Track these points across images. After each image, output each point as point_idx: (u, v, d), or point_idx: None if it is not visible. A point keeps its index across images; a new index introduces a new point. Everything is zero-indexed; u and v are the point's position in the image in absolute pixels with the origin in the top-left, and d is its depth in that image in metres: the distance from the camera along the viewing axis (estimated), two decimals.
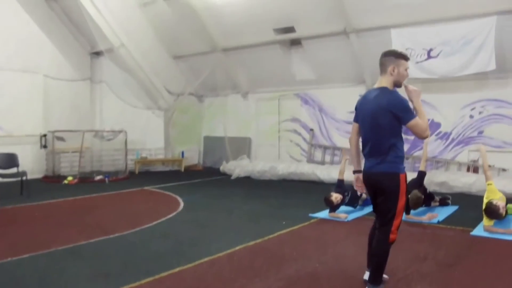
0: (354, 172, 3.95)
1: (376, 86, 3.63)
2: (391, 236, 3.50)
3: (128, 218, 6.94)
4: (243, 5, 11.20)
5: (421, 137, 3.38)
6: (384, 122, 3.42)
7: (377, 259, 3.60)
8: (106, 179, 11.23)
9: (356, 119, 3.84)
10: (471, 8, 8.95)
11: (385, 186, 3.47)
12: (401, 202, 3.44)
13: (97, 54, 13.78)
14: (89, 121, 13.51)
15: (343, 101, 12.00)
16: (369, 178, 3.66)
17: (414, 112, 3.44)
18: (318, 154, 12.62)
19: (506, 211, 5.93)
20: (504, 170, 9.53)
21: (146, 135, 13.74)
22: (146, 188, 10.16)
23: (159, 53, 13.73)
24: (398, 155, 3.46)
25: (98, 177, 11.40)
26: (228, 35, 12.45)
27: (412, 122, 3.33)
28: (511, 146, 9.55)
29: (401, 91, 3.61)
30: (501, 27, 8.70)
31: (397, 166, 3.45)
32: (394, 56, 3.55)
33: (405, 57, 3.57)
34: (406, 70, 3.54)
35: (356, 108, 3.83)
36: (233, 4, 11.28)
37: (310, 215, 6.97)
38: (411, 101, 3.51)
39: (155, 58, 13.48)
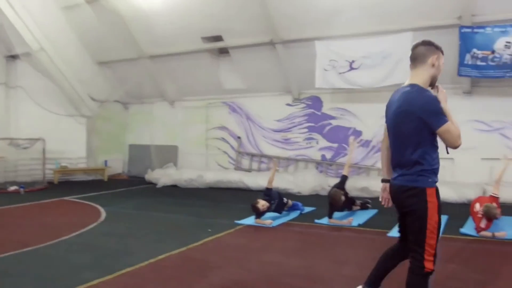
0: (382, 180, 3.36)
1: (406, 82, 3.05)
2: (426, 265, 2.85)
3: (44, 230, 6.53)
4: (171, 13, 11.07)
5: (453, 145, 2.78)
6: (408, 128, 2.88)
7: None
8: (22, 189, 10.53)
9: (386, 121, 3.23)
10: (389, 24, 9.55)
11: (408, 204, 2.93)
12: (432, 221, 2.84)
13: (14, 57, 12.95)
14: (4, 128, 12.59)
15: (270, 110, 12.29)
16: (392, 192, 3.13)
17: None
18: (245, 162, 12.72)
19: None
20: None
21: (67, 144, 13.05)
22: (65, 198, 9.65)
23: (83, 59, 13.21)
24: (425, 168, 2.86)
25: (13, 188, 10.66)
26: (155, 42, 12.24)
27: (445, 127, 2.75)
28: None
29: None
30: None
31: (423, 180, 2.87)
32: (435, 46, 2.98)
33: (442, 51, 3.02)
34: (442, 64, 3.01)
35: (386, 107, 3.21)
36: (161, 11, 11.11)
37: (236, 222, 6.98)
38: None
39: (78, 63, 12.94)
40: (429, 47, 2.96)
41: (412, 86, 2.92)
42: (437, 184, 2.91)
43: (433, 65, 2.93)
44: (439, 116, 2.77)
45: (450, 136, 2.76)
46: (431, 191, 2.86)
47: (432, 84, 2.97)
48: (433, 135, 2.84)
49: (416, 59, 2.98)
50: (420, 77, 2.94)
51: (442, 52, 2.99)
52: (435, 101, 2.80)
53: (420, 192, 2.85)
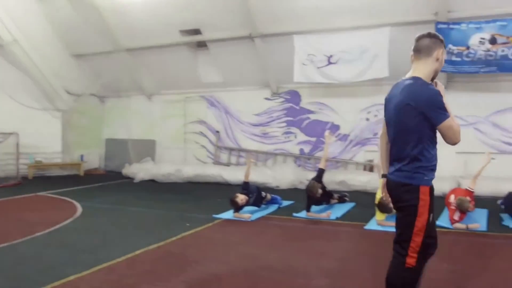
0: (382, 176, 3.20)
1: (408, 75, 2.93)
2: (408, 260, 2.84)
3: (18, 226, 6.39)
4: (148, 5, 10.90)
5: (453, 141, 2.71)
6: (410, 123, 2.77)
7: None
8: None
9: (384, 114, 3.13)
10: (367, 19, 9.65)
11: (402, 199, 2.88)
12: (421, 219, 2.80)
13: None
14: None
15: (248, 104, 12.27)
16: (388, 187, 3.05)
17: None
18: (224, 156, 12.68)
19: None
20: None
21: (41, 138, 12.76)
22: (40, 194, 9.46)
23: (58, 51, 12.90)
24: (423, 165, 2.80)
25: None
26: (132, 35, 12.05)
27: (447, 123, 2.67)
28: None
29: None
30: (394, 37, 9.38)
31: (419, 177, 2.81)
32: (440, 40, 2.87)
33: (445, 45, 2.95)
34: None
35: (385, 100, 3.10)
36: (138, 4, 10.92)
37: (214, 216, 6.96)
38: None
39: (53, 56, 12.63)
40: (435, 40, 2.87)
41: (416, 79, 2.82)
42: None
43: (437, 59, 2.84)
44: (442, 111, 2.68)
45: (452, 132, 2.68)
46: (424, 189, 2.81)
47: (433, 78, 2.90)
48: (433, 131, 2.78)
49: (420, 51, 2.87)
50: (424, 70, 2.84)
51: (445, 46, 2.93)
52: (439, 96, 2.71)
53: (413, 189, 2.80)
